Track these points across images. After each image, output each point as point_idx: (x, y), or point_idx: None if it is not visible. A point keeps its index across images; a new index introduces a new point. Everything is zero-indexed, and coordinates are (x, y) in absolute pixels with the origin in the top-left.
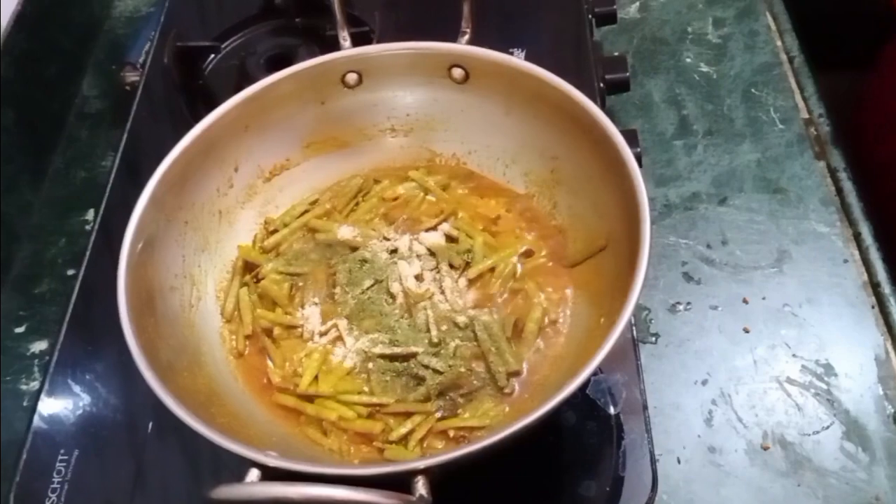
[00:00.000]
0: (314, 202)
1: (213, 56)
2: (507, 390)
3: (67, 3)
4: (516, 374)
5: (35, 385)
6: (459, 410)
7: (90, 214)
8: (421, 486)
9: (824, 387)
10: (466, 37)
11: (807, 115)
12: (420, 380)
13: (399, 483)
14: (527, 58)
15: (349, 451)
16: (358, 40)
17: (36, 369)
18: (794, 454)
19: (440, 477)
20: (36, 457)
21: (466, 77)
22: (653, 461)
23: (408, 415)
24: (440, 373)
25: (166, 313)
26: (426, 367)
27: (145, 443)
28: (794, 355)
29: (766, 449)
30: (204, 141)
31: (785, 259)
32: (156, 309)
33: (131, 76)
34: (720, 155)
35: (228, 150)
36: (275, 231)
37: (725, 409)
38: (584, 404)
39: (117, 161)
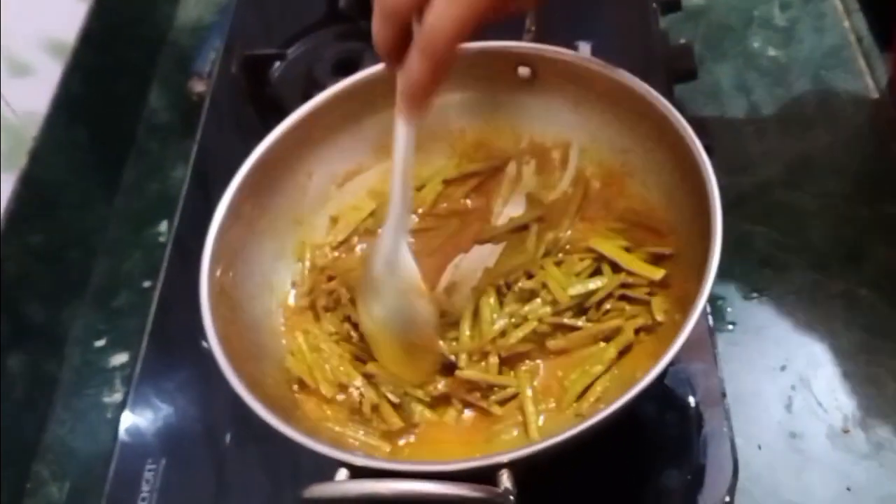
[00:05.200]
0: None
1: (278, 63)
2: None
3: (132, 17)
4: None
5: (117, 397)
6: None
7: (163, 226)
8: (506, 479)
9: None
10: (531, 35)
11: (878, 96)
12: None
13: (483, 477)
14: (593, 50)
15: None
16: None
17: (118, 382)
18: (876, 436)
19: (523, 471)
20: (124, 467)
21: (534, 76)
22: (733, 448)
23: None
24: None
25: (249, 321)
26: None
27: (226, 450)
28: (874, 339)
29: (846, 432)
30: (276, 151)
31: (863, 244)
32: (237, 318)
33: (198, 86)
34: (792, 140)
35: (301, 158)
36: None
37: (805, 394)
38: (663, 395)
39: (189, 172)
